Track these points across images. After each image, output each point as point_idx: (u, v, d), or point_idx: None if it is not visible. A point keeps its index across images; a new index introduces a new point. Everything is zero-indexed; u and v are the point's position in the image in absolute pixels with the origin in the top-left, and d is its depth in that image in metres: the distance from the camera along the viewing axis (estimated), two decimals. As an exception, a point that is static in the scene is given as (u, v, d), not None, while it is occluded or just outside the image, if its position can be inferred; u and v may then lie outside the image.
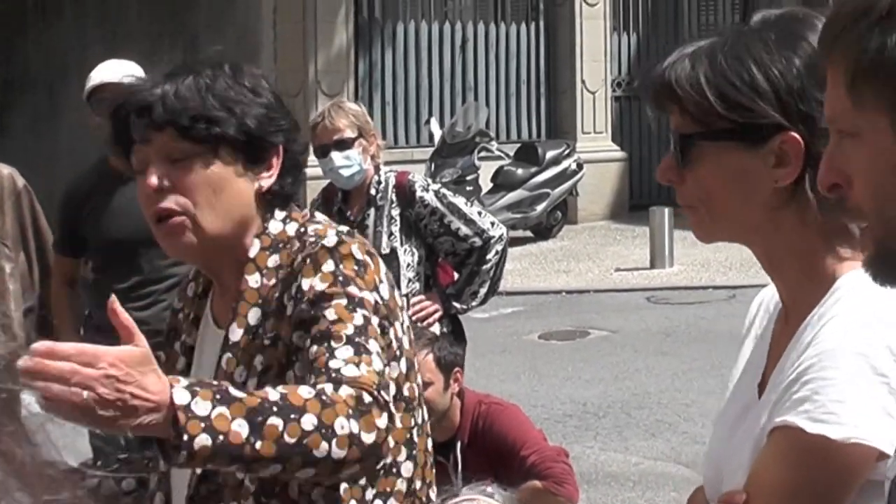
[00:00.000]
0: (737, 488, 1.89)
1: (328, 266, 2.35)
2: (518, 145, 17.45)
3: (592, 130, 18.78)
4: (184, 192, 2.44)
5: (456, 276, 5.70)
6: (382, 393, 2.23)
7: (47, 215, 5.34)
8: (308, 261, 2.37)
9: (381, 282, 2.41)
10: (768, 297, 2.15)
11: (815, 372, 1.83)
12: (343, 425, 2.15)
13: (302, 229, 2.48)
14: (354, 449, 2.16)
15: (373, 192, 5.51)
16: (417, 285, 5.50)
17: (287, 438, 2.12)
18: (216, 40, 15.07)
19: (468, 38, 18.28)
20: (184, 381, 2.14)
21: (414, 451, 2.53)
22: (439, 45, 18.04)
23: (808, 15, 1.96)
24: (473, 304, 5.67)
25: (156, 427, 2.07)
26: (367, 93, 17.02)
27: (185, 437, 2.07)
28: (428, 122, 17.13)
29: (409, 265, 5.46)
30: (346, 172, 5.48)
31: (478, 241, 5.55)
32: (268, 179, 2.47)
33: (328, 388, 2.19)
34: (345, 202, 5.62)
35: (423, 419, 2.56)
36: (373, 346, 2.29)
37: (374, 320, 2.34)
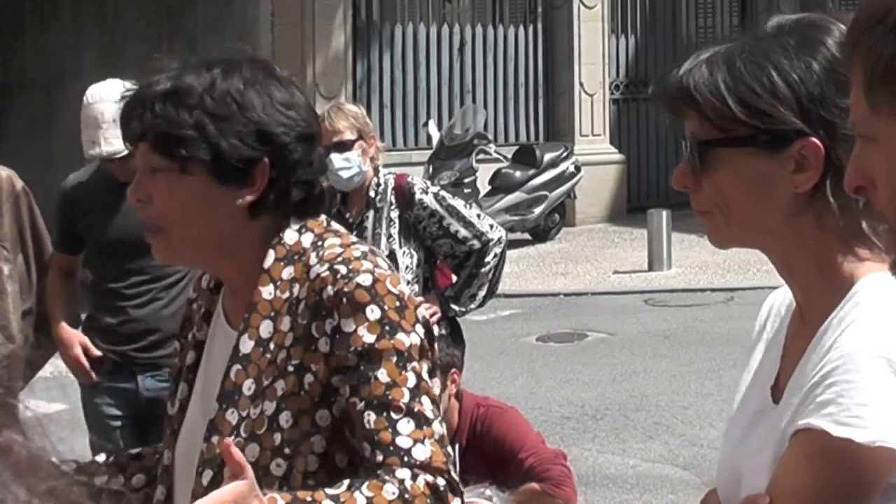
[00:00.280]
0: (758, 492, 1.89)
1: (373, 313, 2.33)
2: (516, 148, 17.46)
3: (590, 133, 18.79)
4: (157, 204, 2.46)
5: (454, 278, 5.70)
6: (452, 473, 2.31)
7: (45, 217, 5.34)
8: (345, 301, 2.33)
9: (415, 307, 2.40)
10: (779, 300, 2.15)
11: (839, 375, 1.82)
12: None
13: (318, 241, 2.45)
14: None
15: (372, 194, 5.51)
16: (416, 287, 5.50)
17: None
18: (214, 43, 15.08)
19: (466, 41, 18.28)
20: (281, 501, 2.20)
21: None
22: (437, 47, 18.05)
23: (825, 20, 1.96)
24: (472, 306, 5.67)
25: None
26: (365, 95, 17.02)
27: None
28: (426, 124, 17.13)
29: (407, 267, 5.46)
30: (345, 174, 5.47)
31: (476, 244, 5.55)
32: (249, 196, 2.43)
33: (406, 480, 2.26)
34: (343, 204, 5.61)
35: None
36: (428, 407, 2.33)
37: (424, 368, 2.36)
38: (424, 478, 2.26)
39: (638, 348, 10.82)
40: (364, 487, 2.24)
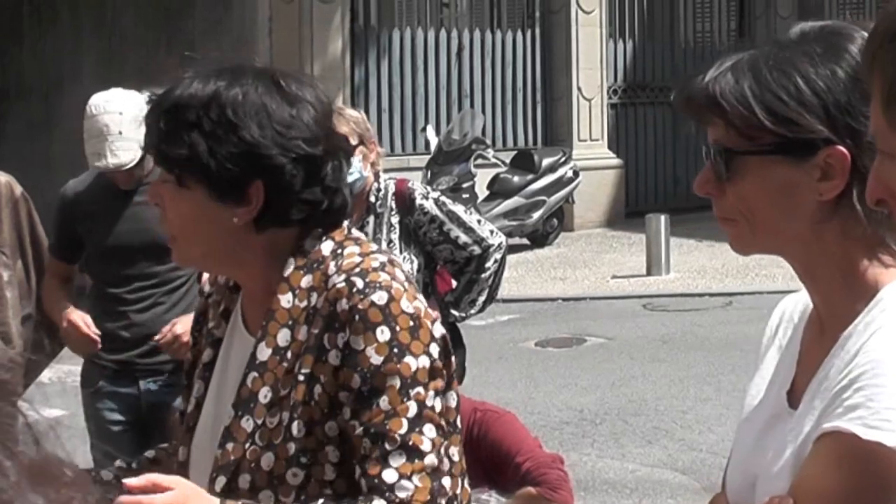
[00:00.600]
0: (776, 494, 1.89)
1: (383, 334, 2.33)
2: (514, 153, 17.46)
3: (588, 138, 18.80)
4: (166, 213, 2.49)
5: (454, 283, 5.70)
6: None
7: (44, 222, 5.34)
8: (357, 318, 2.33)
9: (432, 323, 2.40)
10: (790, 307, 2.15)
11: (868, 379, 1.82)
12: None
13: (338, 249, 2.45)
14: None
15: (372, 199, 5.50)
16: (420, 300, 5.49)
17: None
18: (212, 49, 15.07)
19: (464, 46, 18.29)
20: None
21: (465, 476, 2.56)
22: (435, 52, 18.05)
23: (849, 28, 1.96)
24: (472, 312, 5.67)
25: None
26: (362, 100, 17.02)
27: None
28: (424, 129, 17.14)
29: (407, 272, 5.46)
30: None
31: (477, 250, 5.55)
32: (245, 216, 2.43)
33: None
34: (343, 209, 5.61)
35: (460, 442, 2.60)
36: (427, 439, 2.33)
37: (430, 394, 2.35)
38: None
39: (636, 353, 10.82)
40: None
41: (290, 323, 2.41)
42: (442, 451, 2.36)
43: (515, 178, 16.56)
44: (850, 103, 1.90)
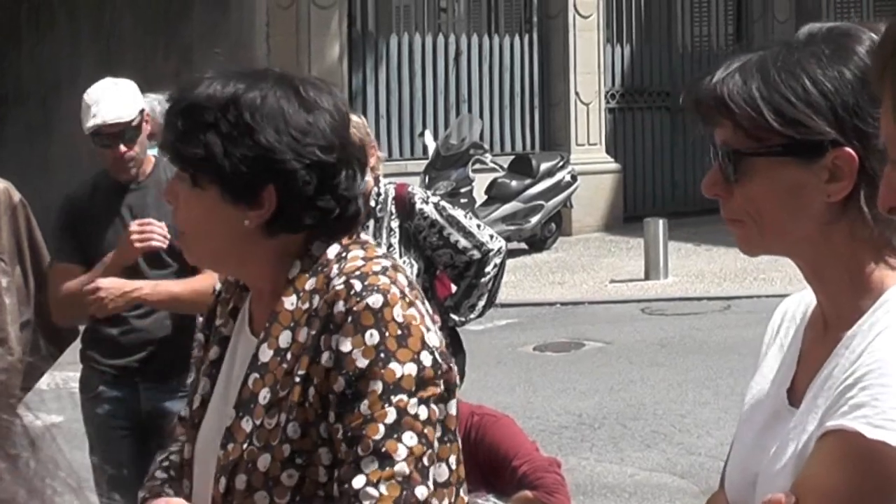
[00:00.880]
0: (776, 493, 1.88)
1: (371, 338, 2.33)
2: (512, 157, 17.47)
3: (586, 142, 18.81)
4: (179, 211, 2.51)
5: (454, 288, 5.70)
6: None
7: (42, 226, 5.34)
8: (350, 319, 2.34)
9: (427, 331, 2.39)
10: (793, 306, 2.15)
11: (873, 379, 1.82)
12: None
13: (343, 252, 2.45)
14: None
15: (372, 203, 5.50)
16: (420, 304, 5.49)
17: None
18: (210, 53, 15.08)
19: (462, 51, 18.29)
20: None
21: (461, 486, 2.54)
22: (433, 57, 18.06)
23: (857, 29, 1.96)
24: (471, 316, 5.68)
25: None
26: (360, 105, 17.03)
27: None
28: (422, 134, 17.15)
29: (406, 277, 5.46)
30: (345, 184, 5.47)
31: (476, 254, 5.56)
32: (256, 219, 2.43)
33: None
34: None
35: (459, 449, 2.58)
36: (402, 448, 2.32)
37: (412, 404, 2.33)
38: None
39: (635, 357, 10.82)
40: None
41: (292, 325, 2.42)
42: (426, 460, 2.34)
43: (513, 183, 16.57)
44: (858, 105, 1.90)
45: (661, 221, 14.41)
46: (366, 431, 2.31)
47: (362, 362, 2.32)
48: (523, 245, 16.72)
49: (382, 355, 2.33)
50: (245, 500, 2.38)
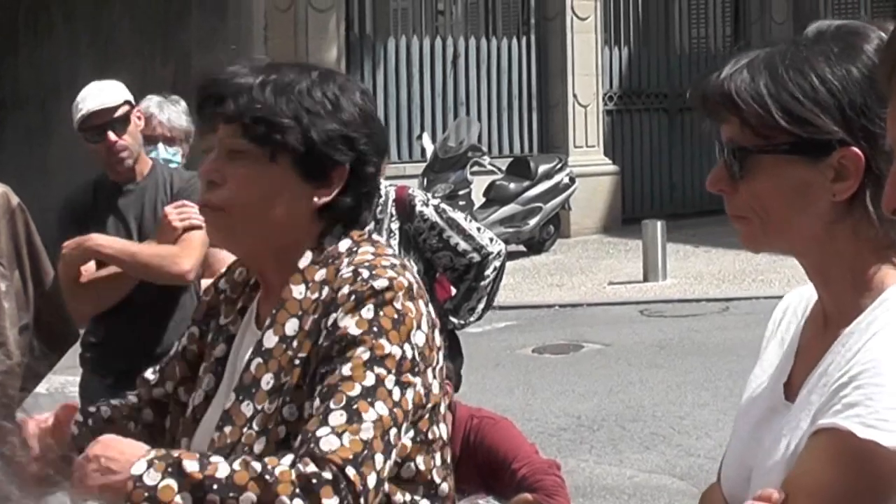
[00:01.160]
0: (770, 488, 1.89)
1: (368, 312, 2.35)
2: (510, 160, 17.47)
3: (584, 144, 18.81)
4: (231, 188, 2.47)
5: (453, 291, 5.71)
6: (349, 469, 2.25)
7: (41, 229, 5.34)
8: (353, 297, 2.36)
9: (417, 328, 2.40)
10: (794, 301, 2.15)
11: (868, 378, 1.82)
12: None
13: (354, 247, 2.48)
14: None
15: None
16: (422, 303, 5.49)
17: None
18: (208, 57, 15.09)
19: (459, 53, 18.30)
20: (152, 453, 2.28)
21: (433, 491, 2.53)
22: (430, 60, 18.07)
23: (866, 28, 1.96)
24: (471, 319, 5.68)
25: (112, 492, 2.26)
26: (359, 108, 17.01)
27: None
28: (420, 137, 17.15)
29: (408, 279, 5.47)
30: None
31: (476, 257, 5.56)
32: (325, 197, 2.47)
33: (283, 464, 2.25)
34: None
35: (445, 460, 2.56)
36: (373, 412, 2.30)
37: (390, 380, 2.34)
38: (304, 468, 2.24)
39: (634, 359, 10.82)
40: (236, 462, 2.27)
41: (300, 314, 2.43)
42: (392, 435, 2.32)
43: (512, 185, 16.57)
44: (865, 105, 1.89)
45: (659, 223, 14.42)
46: (342, 387, 2.31)
47: (355, 330, 2.34)
48: (522, 247, 16.72)
49: (375, 329, 2.35)
50: None
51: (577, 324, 12.58)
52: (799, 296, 2.14)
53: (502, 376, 10.36)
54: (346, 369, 2.32)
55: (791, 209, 1.95)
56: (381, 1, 19.68)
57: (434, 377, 2.46)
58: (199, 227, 4.92)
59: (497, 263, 5.64)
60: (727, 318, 12.48)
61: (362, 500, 2.25)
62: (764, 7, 21.32)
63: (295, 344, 2.41)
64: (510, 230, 16.13)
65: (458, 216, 5.62)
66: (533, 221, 16.57)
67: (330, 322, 2.37)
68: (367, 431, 2.28)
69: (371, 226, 5.49)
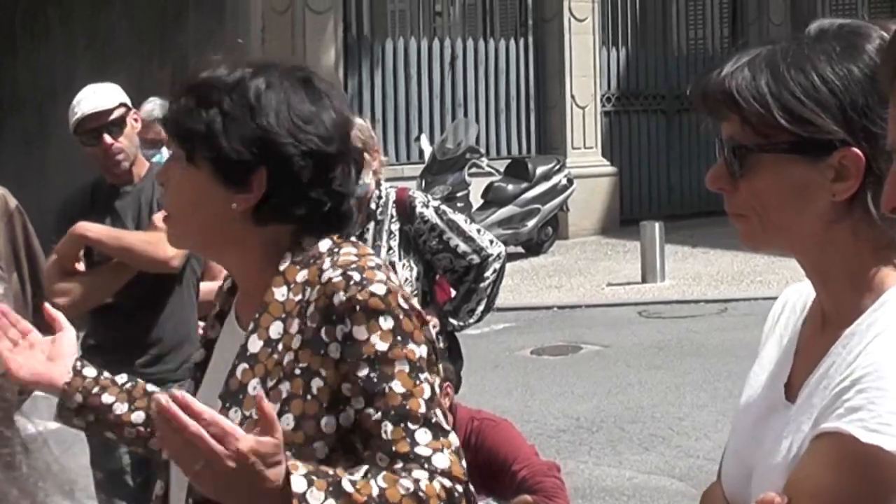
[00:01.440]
0: (772, 489, 1.88)
1: (386, 322, 2.34)
2: (508, 161, 17.47)
3: (582, 146, 18.82)
4: (170, 191, 2.52)
5: (453, 292, 5.71)
6: (470, 486, 2.33)
7: (39, 232, 5.34)
8: (358, 308, 2.34)
9: (423, 323, 2.42)
10: (793, 297, 2.14)
11: (871, 381, 1.82)
12: None
13: (335, 248, 2.46)
14: None
15: (373, 206, 5.51)
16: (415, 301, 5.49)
17: None
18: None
19: (457, 55, 18.30)
20: (302, 469, 2.20)
21: None
22: (428, 61, 18.07)
23: (868, 27, 1.95)
24: (470, 321, 5.68)
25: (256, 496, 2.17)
26: (356, 110, 17.02)
27: None
28: (418, 138, 17.15)
29: (406, 280, 5.46)
30: (348, 186, 5.47)
31: (476, 259, 5.56)
32: (244, 202, 2.43)
33: (423, 480, 2.27)
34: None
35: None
36: (442, 418, 2.35)
37: (436, 381, 2.38)
38: (441, 481, 2.27)
39: (632, 360, 10.82)
40: (380, 477, 2.25)
41: (283, 316, 2.41)
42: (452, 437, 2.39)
43: (510, 187, 16.58)
44: (867, 105, 1.89)
45: (657, 224, 14.42)
46: (409, 406, 2.32)
47: (382, 346, 2.33)
48: (520, 249, 16.72)
49: (400, 337, 2.35)
50: None
51: (575, 325, 12.58)
52: (797, 292, 2.13)
53: (501, 378, 10.36)
54: (398, 386, 2.32)
55: (791, 208, 1.94)
56: (379, 2, 19.66)
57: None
58: None
59: (497, 266, 5.64)
60: (725, 319, 12.48)
61: None
62: (761, 8, 21.33)
63: (280, 347, 2.39)
64: (508, 232, 16.13)
65: (459, 218, 5.62)
66: (531, 223, 16.58)
67: (339, 334, 2.35)
68: (454, 441, 2.35)
69: (371, 226, 5.51)
